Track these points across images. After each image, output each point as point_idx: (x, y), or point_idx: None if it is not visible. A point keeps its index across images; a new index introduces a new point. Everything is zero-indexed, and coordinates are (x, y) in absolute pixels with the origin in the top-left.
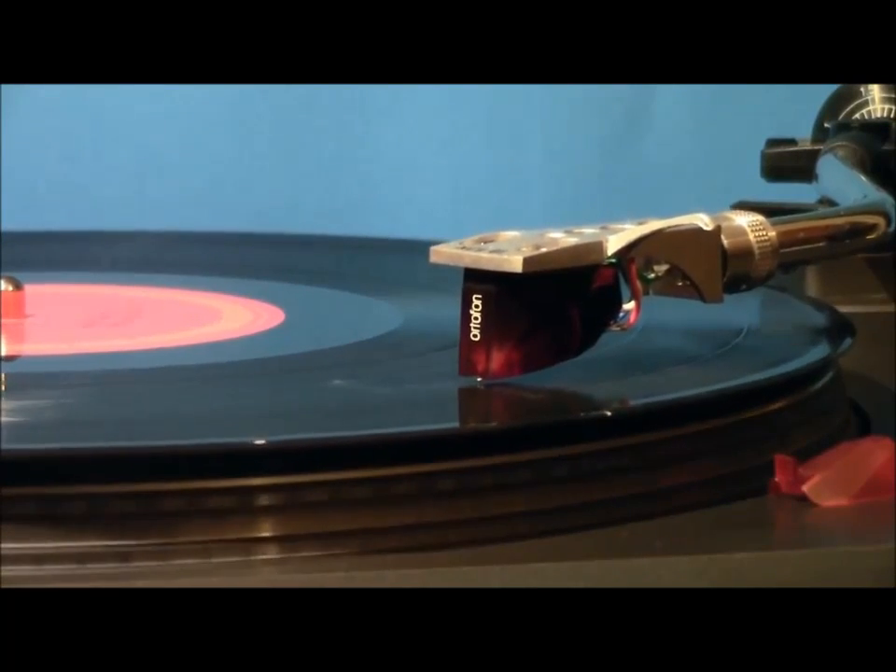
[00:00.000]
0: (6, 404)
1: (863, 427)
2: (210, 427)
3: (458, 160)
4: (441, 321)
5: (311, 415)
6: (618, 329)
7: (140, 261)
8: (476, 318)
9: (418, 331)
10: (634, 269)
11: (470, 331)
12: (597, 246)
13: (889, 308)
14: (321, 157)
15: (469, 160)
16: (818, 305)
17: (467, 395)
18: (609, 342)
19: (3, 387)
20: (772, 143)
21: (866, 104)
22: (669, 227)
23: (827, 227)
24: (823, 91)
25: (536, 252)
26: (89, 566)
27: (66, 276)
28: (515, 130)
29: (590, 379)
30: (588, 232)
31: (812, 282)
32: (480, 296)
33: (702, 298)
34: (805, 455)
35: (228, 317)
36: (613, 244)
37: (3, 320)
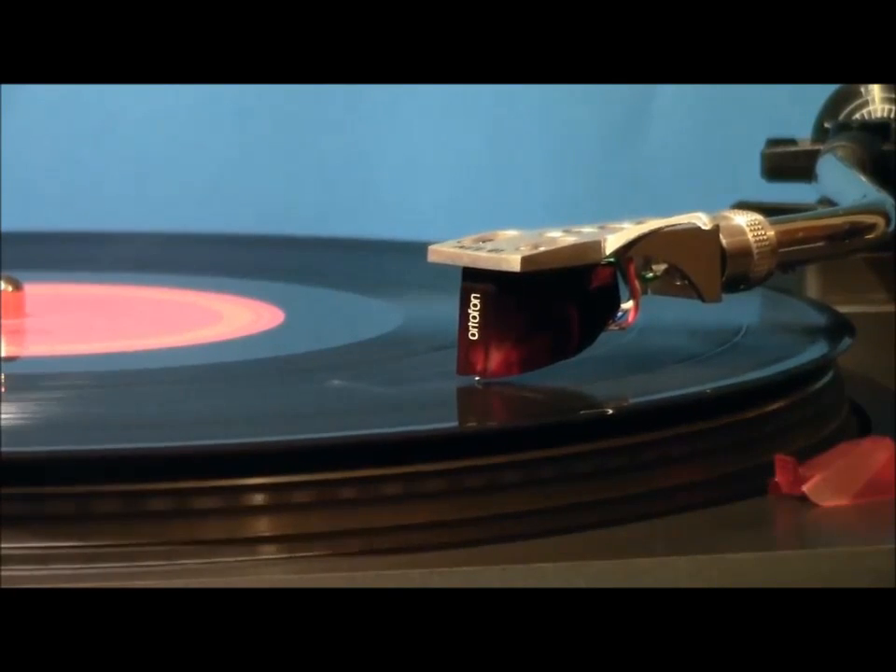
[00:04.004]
0: (5, 405)
1: (863, 427)
2: (210, 428)
3: (458, 160)
4: (440, 321)
5: (310, 416)
6: (616, 328)
7: (140, 261)
8: (474, 318)
9: (417, 331)
10: (632, 268)
11: (469, 331)
12: (596, 246)
13: (889, 308)
14: (321, 157)
15: (468, 159)
16: (817, 305)
17: (466, 394)
18: (607, 341)
19: (2, 388)
20: (772, 143)
21: (866, 104)
22: (668, 226)
23: (826, 227)
24: (823, 91)
25: (534, 251)
26: (85, 566)
27: (66, 276)
28: (515, 130)
29: (589, 378)
30: (586, 232)
31: (812, 282)
32: (478, 295)
33: (701, 297)
34: (804, 455)
35: (228, 318)
36: (612, 243)
37: (3, 320)
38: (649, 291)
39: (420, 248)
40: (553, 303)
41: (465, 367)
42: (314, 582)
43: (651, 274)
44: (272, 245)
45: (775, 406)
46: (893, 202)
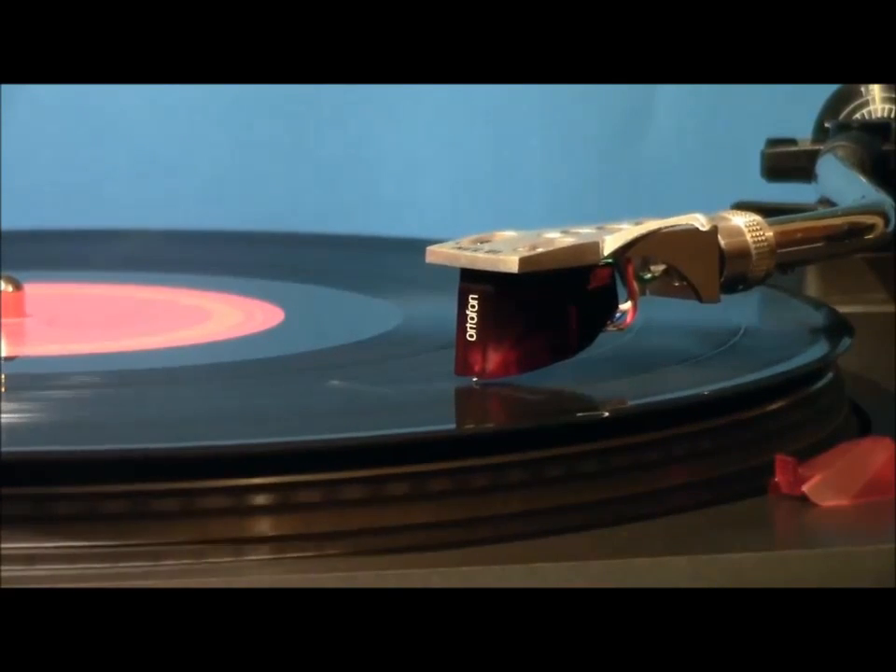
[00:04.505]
0: (5, 405)
1: (863, 427)
2: (210, 429)
3: (458, 159)
4: (439, 321)
5: (309, 416)
6: (615, 329)
7: (141, 260)
8: (472, 318)
9: (417, 331)
10: (631, 269)
11: (467, 332)
12: (594, 247)
13: (889, 308)
14: (322, 156)
15: (469, 159)
16: (816, 305)
17: (465, 395)
18: (606, 342)
19: (2, 388)
20: (772, 143)
21: (866, 104)
22: (666, 227)
23: (825, 227)
24: (823, 91)
25: (532, 252)
26: (87, 566)
27: (66, 276)
28: (515, 130)
29: (587, 379)
30: (585, 232)
31: (812, 282)
32: (476, 296)
33: (699, 298)
34: (804, 454)
35: (227, 317)
36: (610, 244)
37: (3, 320)
38: (647, 292)
39: (420, 247)
40: (552, 304)
41: (463, 367)
42: (314, 582)
43: (649, 275)
44: (271, 244)
45: (775, 406)
46: (893, 202)
